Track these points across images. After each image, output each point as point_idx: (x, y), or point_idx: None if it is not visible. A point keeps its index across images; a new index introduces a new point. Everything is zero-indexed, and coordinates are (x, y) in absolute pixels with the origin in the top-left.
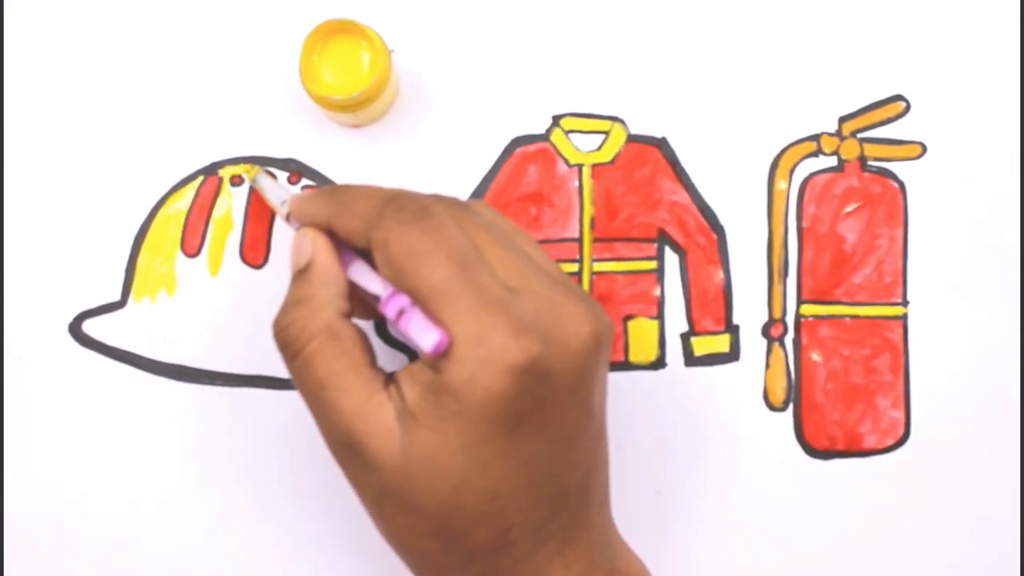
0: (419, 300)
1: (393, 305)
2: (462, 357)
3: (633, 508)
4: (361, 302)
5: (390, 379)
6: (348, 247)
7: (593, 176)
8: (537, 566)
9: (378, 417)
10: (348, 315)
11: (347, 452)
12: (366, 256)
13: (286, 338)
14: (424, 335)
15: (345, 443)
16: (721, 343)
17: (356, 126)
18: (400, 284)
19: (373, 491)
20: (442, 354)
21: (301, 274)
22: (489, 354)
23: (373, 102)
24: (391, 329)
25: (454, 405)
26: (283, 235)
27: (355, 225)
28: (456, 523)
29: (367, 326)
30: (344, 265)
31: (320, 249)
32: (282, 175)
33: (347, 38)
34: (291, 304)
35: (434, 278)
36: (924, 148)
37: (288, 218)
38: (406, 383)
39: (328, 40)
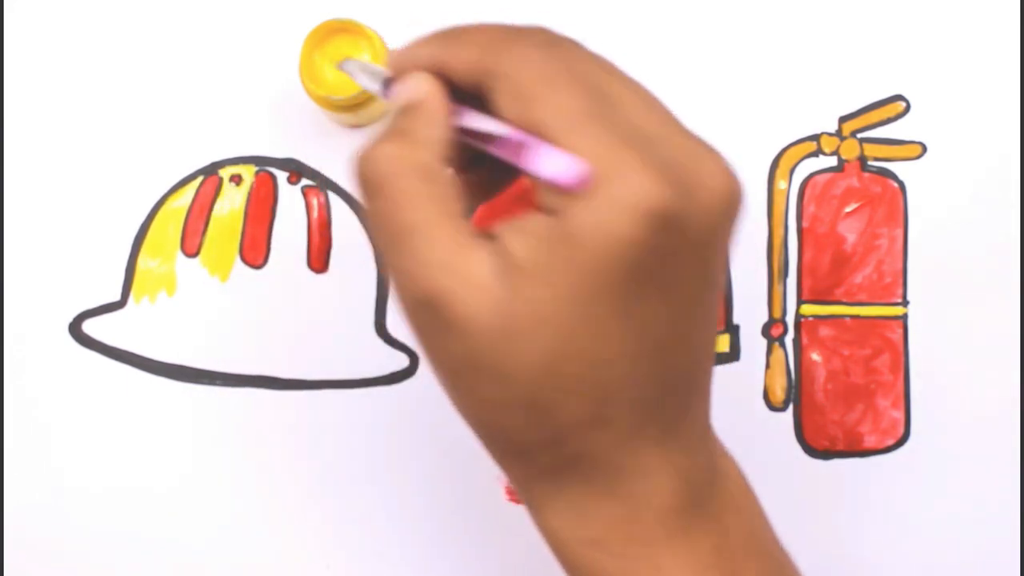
0: (544, 132)
1: (515, 139)
2: (593, 197)
3: None
4: (461, 162)
5: (484, 234)
6: (455, 100)
7: None
8: (634, 452)
9: (469, 271)
10: (448, 164)
11: (426, 312)
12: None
13: (373, 170)
14: (565, 165)
15: (424, 301)
16: (721, 343)
17: (356, 126)
18: (525, 112)
19: (454, 358)
20: (582, 188)
21: (405, 110)
22: (624, 195)
23: (373, 102)
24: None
25: (576, 253)
26: (283, 235)
27: (471, 54)
28: (551, 392)
29: (369, 329)
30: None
31: (434, 90)
32: (282, 173)
33: (347, 38)
34: (387, 135)
35: (566, 106)
36: (924, 148)
37: (387, 85)
38: (511, 236)
39: (328, 40)
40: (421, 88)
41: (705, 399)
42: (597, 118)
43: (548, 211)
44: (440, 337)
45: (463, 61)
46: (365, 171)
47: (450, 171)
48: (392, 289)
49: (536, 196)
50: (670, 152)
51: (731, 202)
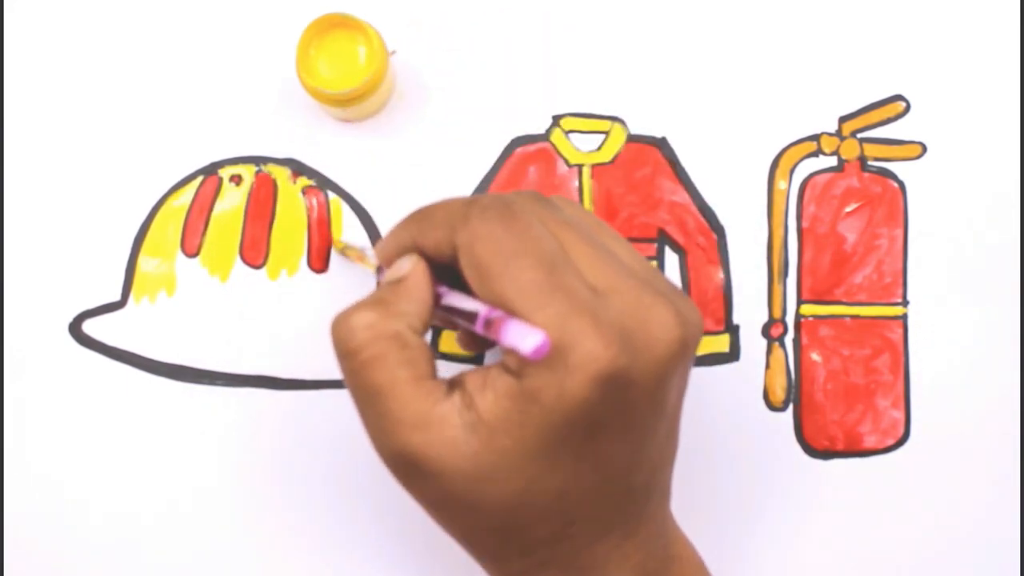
0: (506, 303)
1: (484, 316)
2: (550, 363)
3: None
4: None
5: (451, 387)
6: (442, 281)
7: (593, 176)
8: (595, 556)
9: (440, 428)
10: (421, 335)
11: (404, 464)
12: (460, 286)
13: (348, 334)
14: (526, 338)
15: (401, 454)
16: (721, 343)
17: (347, 120)
18: (486, 286)
19: (432, 497)
20: (541, 358)
21: (390, 284)
22: (578, 362)
23: (368, 98)
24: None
25: (537, 411)
26: (283, 235)
27: (439, 233)
28: (520, 520)
29: None
30: (438, 296)
31: (418, 269)
32: (283, 173)
33: (344, 33)
34: (366, 303)
35: (523, 280)
36: (924, 148)
37: (379, 270)
38: (476, 390)
39: (326, 34)
40: (405, 267)
41: (665, 495)
42: (552, 289)
43: (511, 371)
44: (418, 482)
45: (432, 240)
46: (341, 334)
47: (423, 339)
48: (369, 439)
49: (503, 356)
50: (621, 308)
51: (681, 348)
